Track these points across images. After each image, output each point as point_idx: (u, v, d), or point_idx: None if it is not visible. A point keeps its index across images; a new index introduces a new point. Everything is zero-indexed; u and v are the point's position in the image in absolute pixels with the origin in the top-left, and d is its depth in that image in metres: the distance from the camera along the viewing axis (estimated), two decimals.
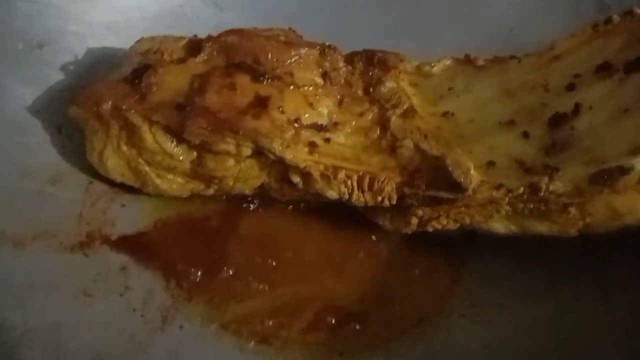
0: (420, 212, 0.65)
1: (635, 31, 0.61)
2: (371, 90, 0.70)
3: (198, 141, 0.64)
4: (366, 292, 0.68)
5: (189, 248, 0.70)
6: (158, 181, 0.68)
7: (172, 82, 0.66)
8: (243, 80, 0.66)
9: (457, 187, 0.61)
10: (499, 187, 0.61)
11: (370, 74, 0.71)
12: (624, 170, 0.55)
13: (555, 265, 0.68)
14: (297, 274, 0.70)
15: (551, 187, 0.58)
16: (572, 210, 0.60)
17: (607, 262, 0.66)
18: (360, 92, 0.70)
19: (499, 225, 0.65)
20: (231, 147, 0.64)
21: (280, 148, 0.64)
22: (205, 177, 0.68)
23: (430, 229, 0.67)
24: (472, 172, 0.62)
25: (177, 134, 0.64)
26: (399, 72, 0.71)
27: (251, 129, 0.63)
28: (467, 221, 0.65)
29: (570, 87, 0.62)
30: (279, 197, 0.71)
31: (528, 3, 0.86)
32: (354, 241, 0.73)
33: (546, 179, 0.59)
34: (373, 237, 0.72)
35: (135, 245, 0.69)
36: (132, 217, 0.71)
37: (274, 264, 0.70)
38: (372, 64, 0.71)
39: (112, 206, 0.72)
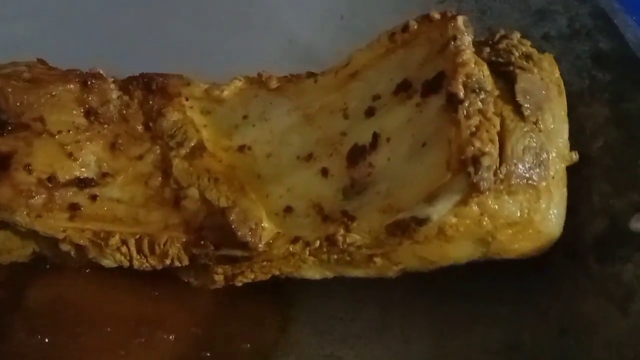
0: (220, 270, 0.55)
1: (434, 41, 0.50)
2: (151, 125, 0.58)
3: None
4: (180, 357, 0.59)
5: None
6: None
7: None
8: None
9: (245, 246, 0.51)
10: (295, 240, 0.51)
11: (151, 103, 0.58)
12: (419, 221, 0.46)
13: (388, 303, 0.61)
14: (95, 349, 0.59)
15: (348, 240, 0.49)
16: (378, 260, 0.51)
17: (440, 301, 0.59)
18: (140, 128, 0.58)
19: (313, 273, 0.56)
20: None
21: (28, 219, 0.51)
22: None
23: (239, 284, 0.57)
24: (264, 224, 0.52)
25: None
26: (186, 99, 0.59)
27: None
28: (276, 272, 0.56)
29: (370, 112, 0.52)
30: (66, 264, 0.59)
31: None
32: (169, 299, 0.61)
33: (342, 230, 0.49)
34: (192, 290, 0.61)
35: None
36: None
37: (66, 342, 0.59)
38: (151, 91, 0.58)
39: None
